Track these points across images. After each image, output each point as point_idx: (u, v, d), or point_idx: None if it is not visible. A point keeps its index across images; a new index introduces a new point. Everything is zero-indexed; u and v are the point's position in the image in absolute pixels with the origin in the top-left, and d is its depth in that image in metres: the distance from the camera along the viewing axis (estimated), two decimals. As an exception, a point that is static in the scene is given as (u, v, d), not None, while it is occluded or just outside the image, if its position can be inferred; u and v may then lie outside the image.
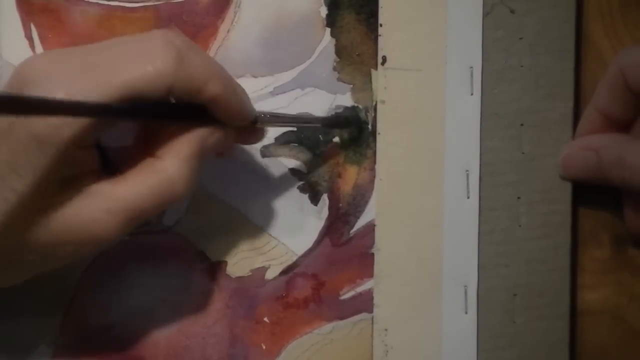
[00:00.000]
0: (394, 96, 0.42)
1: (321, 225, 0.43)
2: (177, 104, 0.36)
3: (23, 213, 0.34)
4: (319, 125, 0.42)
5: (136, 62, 0.35)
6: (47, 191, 0.35)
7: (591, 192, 0.42)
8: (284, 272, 0.43)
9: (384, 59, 0.42)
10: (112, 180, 0.36)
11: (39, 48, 0.42)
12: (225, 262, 0.42)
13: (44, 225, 0.35)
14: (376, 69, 0.42)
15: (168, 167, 0.36)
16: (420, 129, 0.42)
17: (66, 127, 0.34)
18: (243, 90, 0.38)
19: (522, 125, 0.42)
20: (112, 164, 0.39)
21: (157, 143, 0.37)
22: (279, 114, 0.42)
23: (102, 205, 0.35)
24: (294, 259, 0.43)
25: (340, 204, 0.43)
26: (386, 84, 0.42)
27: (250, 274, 0.43)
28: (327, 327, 0.43)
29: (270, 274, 0.43)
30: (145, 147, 0.37)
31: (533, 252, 0.42)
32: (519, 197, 0.42)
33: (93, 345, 0.42)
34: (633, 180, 0.39)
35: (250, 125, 0.39)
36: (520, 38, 0.42)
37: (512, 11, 0.42)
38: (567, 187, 0.42)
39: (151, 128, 0.38)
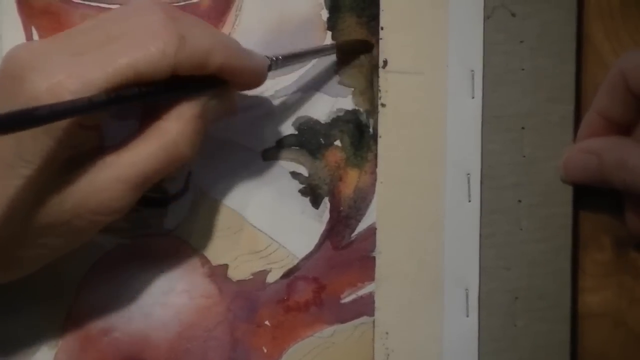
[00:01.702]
0: (395, 99, 0.42)
1: (322, 229, 0.43)
2: (179, 78, 0.36)
3: (33, 196, 0.35)
4: (333, 52, 0.42)
5: (137, 43, 0.35)
6: (54, 172, 0.35)
7: (592, 195, 0.42)
8: (285, 275, 0.43)
9: (385, 62, 0.42)
10: (117, 150, 0.36)
11: (39, 51, 0.42)
12: (226, 266, 0.42)
13: (55, 204, 0.35)
14: (377, 72, 0.42)
15: (171, 129, 0.36)
16: (421, 132, 0.42)
17: None
18: (246, 50, 0.38)
19: (523, 128, 0.42)
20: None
21: (160, 108, 0.37)
22: (290, 53, 0.41)
23: (111, 175, 0.36)
24: (295, 262, 0.43)
25: (341, 207, 0.43)
26: (387, 87, 0.42)
27: (251, 277, 0.43)
28: (328, 330, 0.43)
29: (271, 278, 0.43)
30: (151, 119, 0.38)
31: (534, 255, 0.42)
32: (519, 200, 0.42)
33: (94, 349, 0.42)
34: (634, 183, 0.39)
35: (265, 76, 0.39)
36: (521, 41, 0.42)
37: (512, 14, 0.42)
38: (568, 190, 0.42)
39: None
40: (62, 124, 0.34)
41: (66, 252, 0.38)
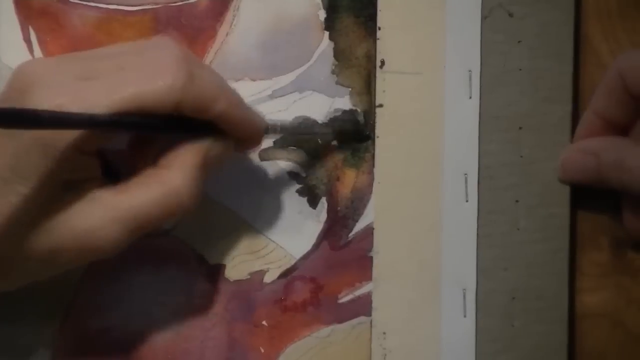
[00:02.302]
0: (393, 99, 0.42)
1: (320, 229, 0.43)
2: (183, 117, 0.36)
3: (26, 217, 0.34)
4: (332, 137, 0.42)
5: (146, 75, 0.35)
6: (49, 195, 0.35)
7: (590, 195, 0.42)
8: (283, 275, 0.43)
9: (382, 62, 0.42)
10: (116, 189, 0.36)
11: (37, 51, 0.42)
12: (224, 266, 0.42)
13: (46, 231, 0.35)
14: (375, 72, 0.42)
15: (174, 178, 0.36)
16: (419, 132, 0.42)
17: (70, 132, 0.34)
18: (247, 106, 0.39)
19: (520, 128, 0.42)
20: (113, 170, 0.39)
21: (158, 151, 0.37)
22: (288, 125, 0.41)
23: (106, 214, 0.35)
24: (293, 262, 0.43)
25: (339, 207, 0.43)
26: (385, 87, 0.42)
27: (248, 277, 0.43)
28: (326, 330, 0.43)
29: (268, 278, 0.43)
30: (143, 151, 0.37)
31: (532, 255, 0.42)
32: (517, 201, 0.42)
33: (91, 349, 0.42)
34: (632, 183, 0.39)
35: (261, 137, 0.39)
36: (519, 41, 0.42)
37: (510, 14, 0.42)
38: (566, 190, 0.42)
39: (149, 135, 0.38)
40: (60, 144, 0.34)
41: (41, 279, 0.37)
